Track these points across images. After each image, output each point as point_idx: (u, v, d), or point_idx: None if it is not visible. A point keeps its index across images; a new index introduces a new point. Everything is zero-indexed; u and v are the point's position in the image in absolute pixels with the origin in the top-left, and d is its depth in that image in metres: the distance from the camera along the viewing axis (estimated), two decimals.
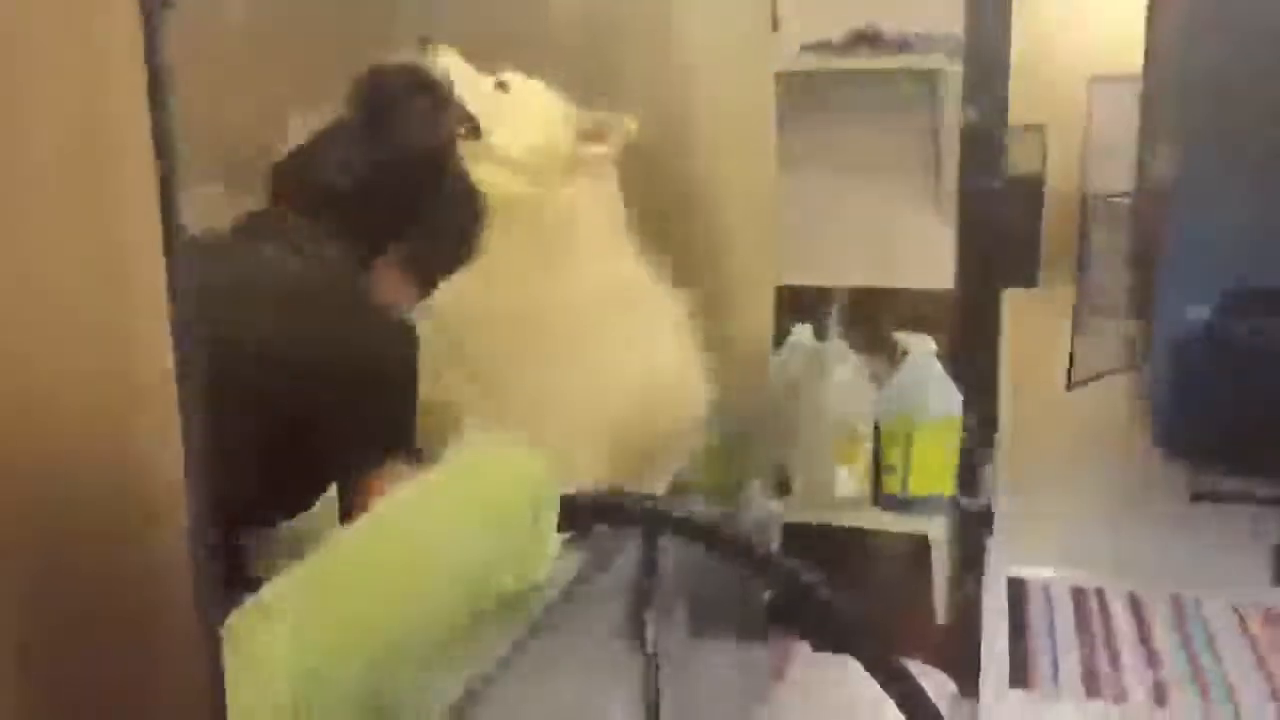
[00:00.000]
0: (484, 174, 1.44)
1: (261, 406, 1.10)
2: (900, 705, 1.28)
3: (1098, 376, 4.75)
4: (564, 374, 1.46)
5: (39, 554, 0.56)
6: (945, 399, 2.19)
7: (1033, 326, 5.43)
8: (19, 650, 0.56)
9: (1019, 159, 7.59)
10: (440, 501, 1.15)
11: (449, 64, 1.50)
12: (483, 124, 1.50)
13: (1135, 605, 3.11)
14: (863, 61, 2.19)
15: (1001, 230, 3.20)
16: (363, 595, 1.07)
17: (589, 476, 1.37)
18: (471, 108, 1.49)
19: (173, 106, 0.60)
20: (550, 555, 1.20)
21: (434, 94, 1.39)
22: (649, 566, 1.39)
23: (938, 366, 2.21)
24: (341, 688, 1.02)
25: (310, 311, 1.19)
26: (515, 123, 1.51)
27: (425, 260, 1.34)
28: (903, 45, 2.18)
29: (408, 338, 1.25)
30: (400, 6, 1.78)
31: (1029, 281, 7.10)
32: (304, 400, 1.14)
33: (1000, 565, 3.35)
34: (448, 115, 1.42)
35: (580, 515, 1.27)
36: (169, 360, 0.61)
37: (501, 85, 1.52)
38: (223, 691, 0.65)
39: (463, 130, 1.48)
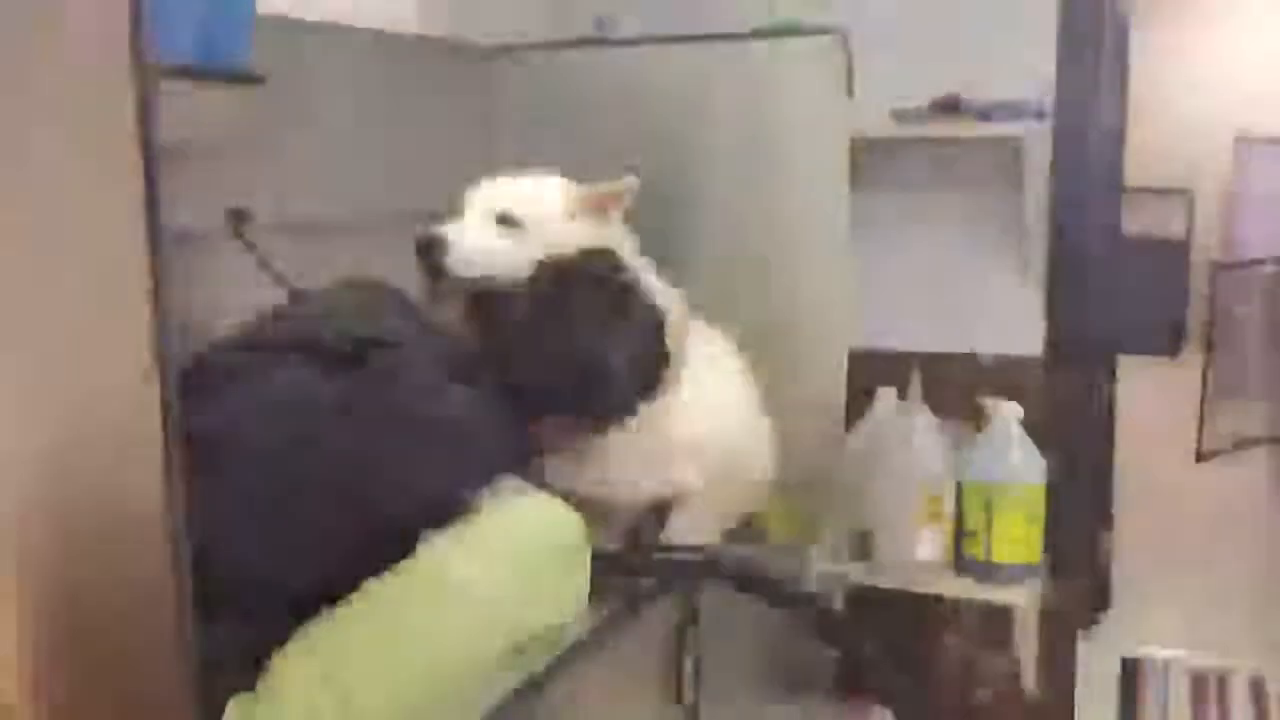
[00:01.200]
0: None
1: None
2: None
3: (1230, 449, 4.54)
4: (630, 451, 1.50)
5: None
6: (1028, 466, 2.15)
7: (1174, 396, 5.23)
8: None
9: (1160, 223, 7.36)
10: (476, 550, 1.22)
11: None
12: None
13: (1256, 689, 2.96)
14: (942, 129, 2.21)
15: (1105, 298, 3.14)
16: (401, 637, 1.14)
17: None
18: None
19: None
20: (582, 600, 1.25)
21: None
22: (689, 615, 1.42)
23: (1020, 433, 2.18)
24: None
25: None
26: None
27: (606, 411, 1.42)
28: (985, 113, 2.19)
29: None
30: None
31: (1170, 350, 6.85)
32: None
33: (1116, 641, 3.24)
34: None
35: (615, 569, 1.32)
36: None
37: (505, 220, 1.51)
38: None
39: None
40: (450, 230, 1.45)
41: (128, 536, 0.69)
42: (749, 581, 1.41)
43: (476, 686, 1.14)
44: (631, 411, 1.40)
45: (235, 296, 1.53)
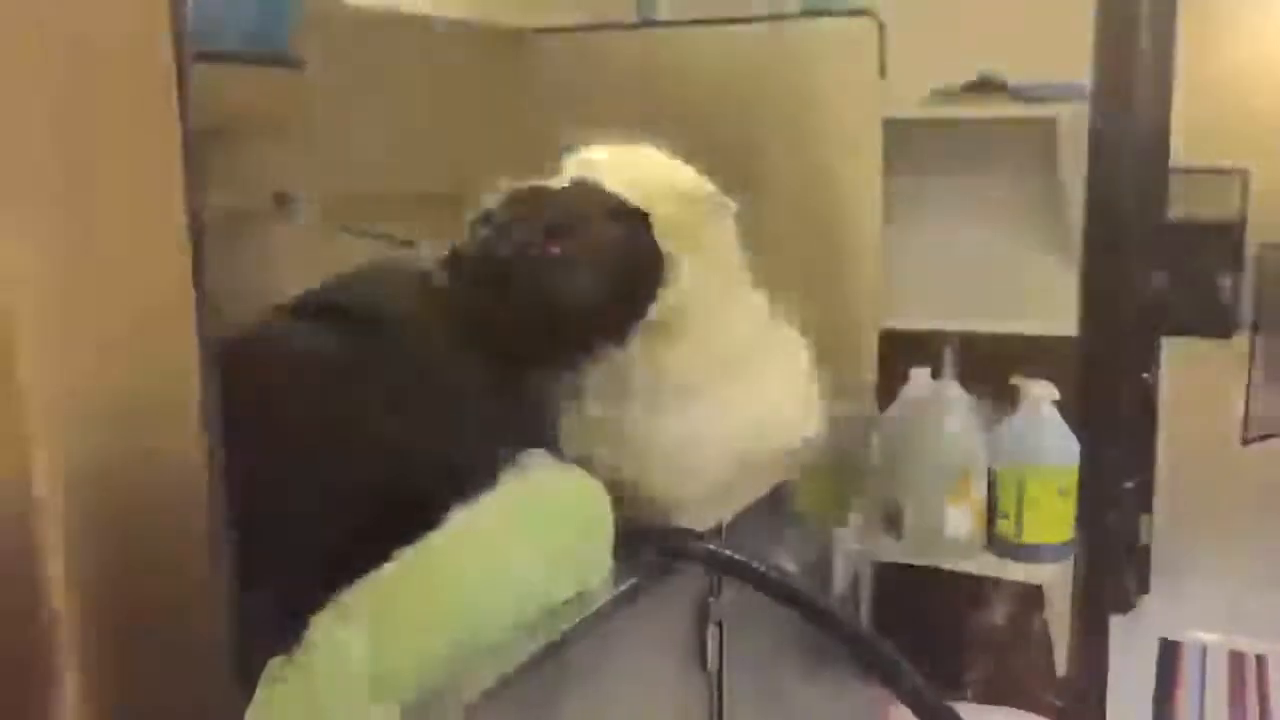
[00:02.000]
0: None
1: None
2: None
3: (1271, 436, 4.49)
4: (688, 424, 1.53)
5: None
6: (1061, 446, 2.16)
7: (1223, 379, 5.17)
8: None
9: (1214, 204, 7.24)
10: (504, 518, 1.26)
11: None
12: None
13: None
14: (977, 109, 2.21)
15: (1148, 279, 3.11)
16: (434, 604, 1.18)
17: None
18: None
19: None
20: (606, 568, 1.29)
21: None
22: (714, 584, 1.46)
23: (1053, 413, 2.19)
24: (412, 691, 1.13)
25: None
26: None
27: None
28: (1021, 93, 2.19)
29: None
30: None
31: (1221, 332, 6.75)
32: None
33: (1154, 624, 3.23)
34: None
35: (633, 543, 1.35)
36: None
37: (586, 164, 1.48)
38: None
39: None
40: None
41: (169, 505, 0.73)
42: (747, 573, 1.42)
43: (499, 648, 1.19)
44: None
45: (280, 278, 1.58)
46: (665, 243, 1.47)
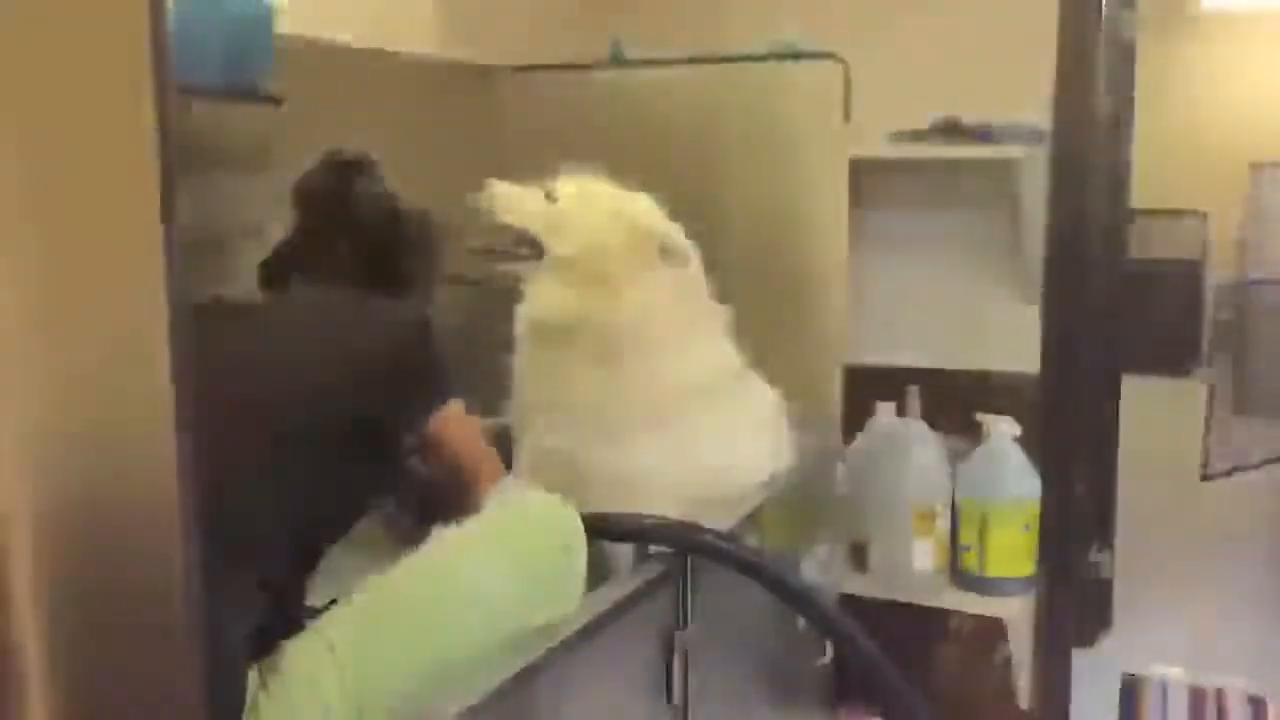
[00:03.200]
0: (548, 292, 1.54)
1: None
2: None
3: (1235, 469, 4.56)
4: (637, 458, 1.56)
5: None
6: (1023, 481, 2.20)
7: (1184, 417, 5.24)
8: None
9: (1175, 245, 7.37)
10: (480, 545, 1.28)
11: (495, 192, 1.59)
12: (542, 240, 1.59)
13: (1257, 708, 2.98)
14: (940, 150, 2.26)
15: (1109, 318, 3.17)
16: (406, 627, 1.20)
17: None
18: (528, 226, 1.56)
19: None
20: (579, 595, 1.31)
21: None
22: (679, 616, 1.48)
23: (1015, 448, 2.23)
24: (387, 713, 1.14)
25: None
26: (572, 229, 1.57)
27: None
28: (984, 135, 2.24)
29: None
30: None
31: (1182, 371, 6.85)
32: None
33: (1117, 659, 3.26)
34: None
35: (612, 535, 1.38)
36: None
37: (550, 196, 1.57)
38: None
39: (525, 252, 1.59)
40: None
41: (139, 508, 0.74)
42: (741, 562, 1.44)
43: (475, 674, 1.20)
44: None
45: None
46: (607, 268, 1.52)
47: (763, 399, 1.73)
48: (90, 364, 0.70)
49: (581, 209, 1.57)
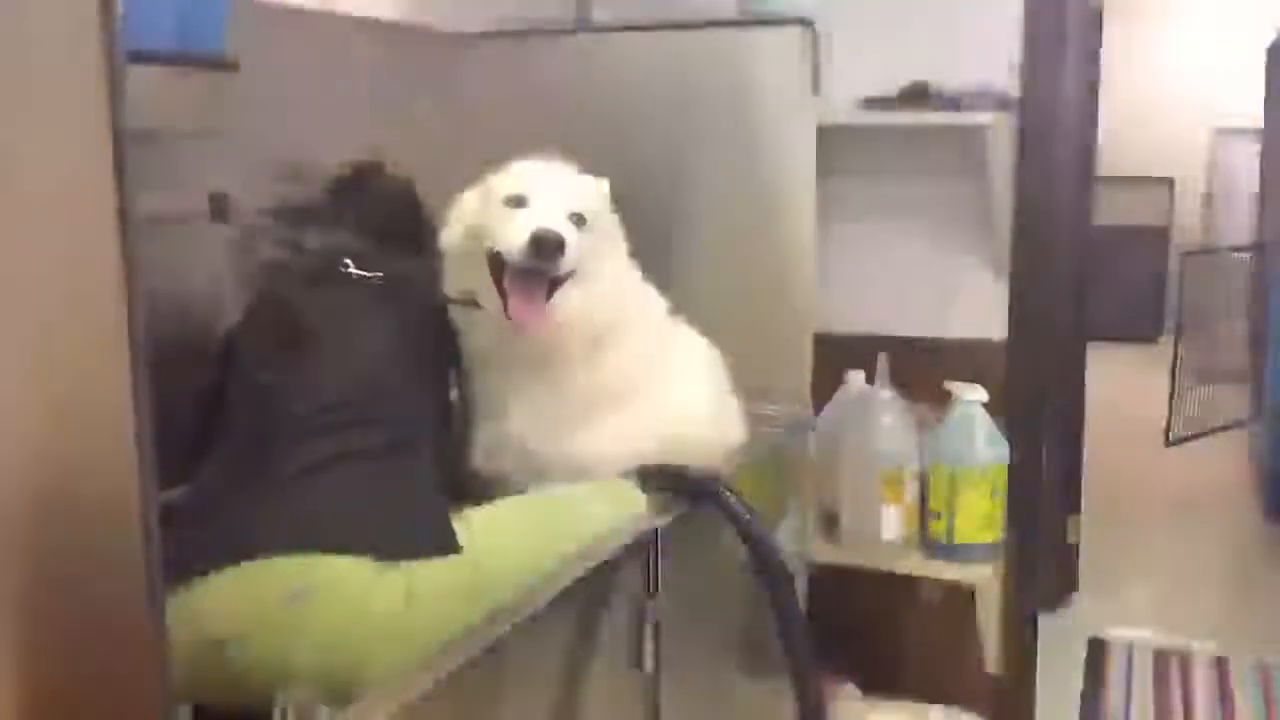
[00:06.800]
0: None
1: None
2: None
3: (1197, 435, 4.61)
4: (598, 433, 1.56)
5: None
6: (990, 448, 2.21)
7: (1149, 381, 5.30)
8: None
9: (1141, 212, 7.45)
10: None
11: (463, 208, 1.59)
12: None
13: (1220, 669, 3.03)
14: (908, 117, 2.25)
15: (1063, 283, 3.19)
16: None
17: None
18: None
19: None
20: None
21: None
22: (649, 585, 1.48)
23: (983, 415, 2.24)
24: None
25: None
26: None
27: None
28: (953, 101, 2.24)
29: None
30: None
31: (1148, 336, 6.93)
32: None
33: (1083, 622, 3.31)
34: None
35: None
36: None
37: (514, 200, 1.50)
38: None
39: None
40: (565, 231, 1.46)
41: (100, 516, 0.72)
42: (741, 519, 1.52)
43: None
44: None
45: (214, 280, 1.57)
46: (590, 249, 1.51)
47: (697, 354, 1.73)
48: (48, 331, 0.68)
49: (556, 197, 1.54)
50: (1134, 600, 3.59)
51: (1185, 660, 3.10)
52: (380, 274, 1.50)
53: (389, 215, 1.64)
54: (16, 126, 0.65)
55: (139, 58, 1.20)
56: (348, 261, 1.49)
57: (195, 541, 1.15)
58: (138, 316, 0.71)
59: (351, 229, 1.56)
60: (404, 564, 1.20)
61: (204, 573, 1.16)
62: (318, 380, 1.35)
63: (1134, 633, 3.25)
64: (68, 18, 0.68)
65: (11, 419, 0.67)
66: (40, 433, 0.68)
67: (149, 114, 1.27)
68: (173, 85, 1.34)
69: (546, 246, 1.42)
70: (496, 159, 1.59)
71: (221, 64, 1.41)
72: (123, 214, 0.72)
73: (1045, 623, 2.27)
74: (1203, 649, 3.14)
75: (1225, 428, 4.73)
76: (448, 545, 1.25)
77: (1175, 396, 4.58)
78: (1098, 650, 3.18)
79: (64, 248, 0.69)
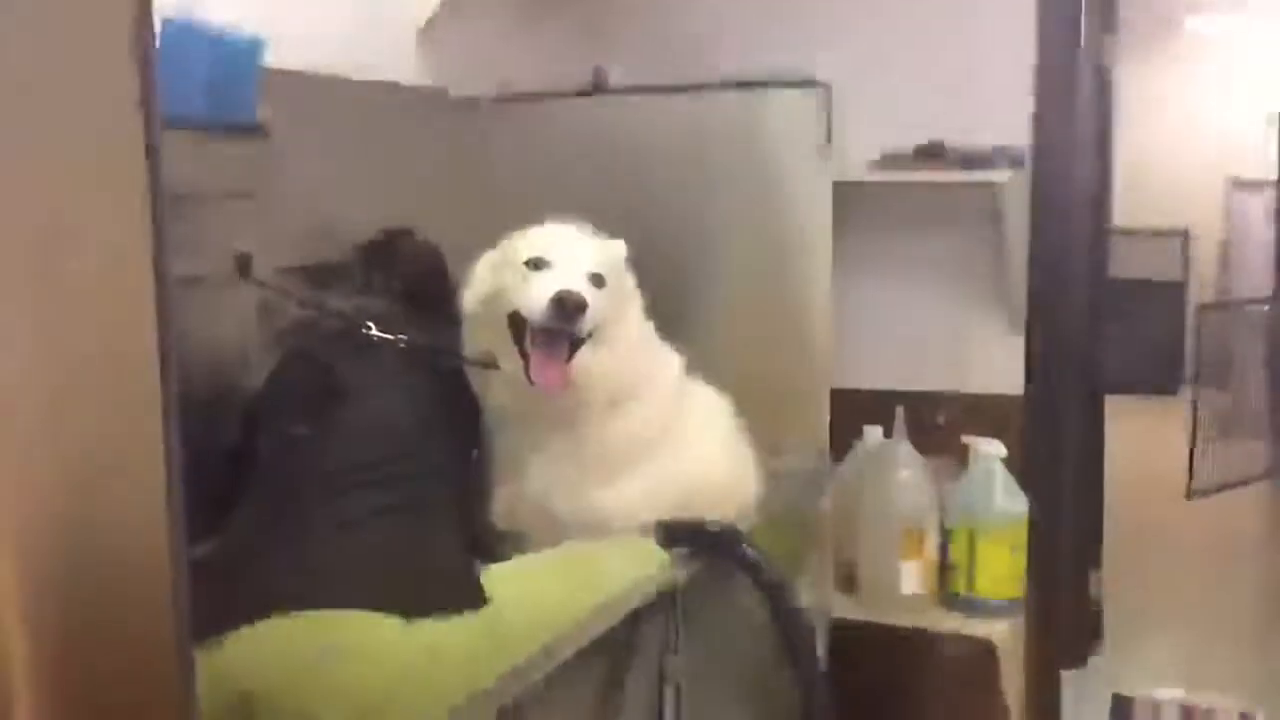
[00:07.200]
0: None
1: None
2: None
3: (1220, 488, 4.57)
4: (617, 491, 1.58)
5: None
6: (1010, 502, 2.21)
7: (1169, 435, 5.26)
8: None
9: (1157, 265, 7.42)
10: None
11: (482, 270, 1.63)
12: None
13: None
14: (924, 175, 2.28)
15: (1092, 338, 3.19)
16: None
17: None
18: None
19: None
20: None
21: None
22: (670, 642, 1.48)
23: (1002, 470, 2.24)
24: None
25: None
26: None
27: None
28: (967, 159, 2.26)
29: None
30: None
31: (1167, 389, 6.88)
32: None
33: (1107, 680, 3.26)
34: None
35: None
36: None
37: (534, 263, 1.53)
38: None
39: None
40: (585, 291, 1.49)
41: (131, 571, 0.73)
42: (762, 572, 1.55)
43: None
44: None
45: (239, 337, 1.60)
46: (608, 309, 1.53)
47: (713, 409, 1.75)
48: (84, 389, 0.70)
49: (574, 262, 1.57)
50: (1159, 656, 3.54)
51: (1211, 717, 3.06)
52: (404, 336, 1.52)
53: (417, 280, 1.68)
54: (61, 194, 0.67)
55: (172, 124, 1.24)
56: (369, 324, 1.51)
57: (225, 595, 1.17)
58: (170, 375, 0.73)
59: (380, 292, 1.59)
60: (430, 621, 1.21)
61: (234, 626, 1.18)
62: (348, 437, 1.37)
63: (1160, 691, 3.21)
64: (111, 94, 0.70)
65: (45, 473, 0.68)
66: (72, 485, 0.70)
67: (181, 179, 1.30)
68: (205, 150, 1.37)
69: (569, 307, 1.44)
70: (513, 221, 1.62)
71: (251, 130, 1.45)
72: (160, 278, 0.73)
73: (1068, 679, 2.24)
74: (1229, 705, 3.09)
75: (1248, 481, 4.68)
76: (475, 600, 1.26)
77: (1195, 449, 4.54)
78: (1122, 708, 3.13)
79: (102, 311, 0.71)
